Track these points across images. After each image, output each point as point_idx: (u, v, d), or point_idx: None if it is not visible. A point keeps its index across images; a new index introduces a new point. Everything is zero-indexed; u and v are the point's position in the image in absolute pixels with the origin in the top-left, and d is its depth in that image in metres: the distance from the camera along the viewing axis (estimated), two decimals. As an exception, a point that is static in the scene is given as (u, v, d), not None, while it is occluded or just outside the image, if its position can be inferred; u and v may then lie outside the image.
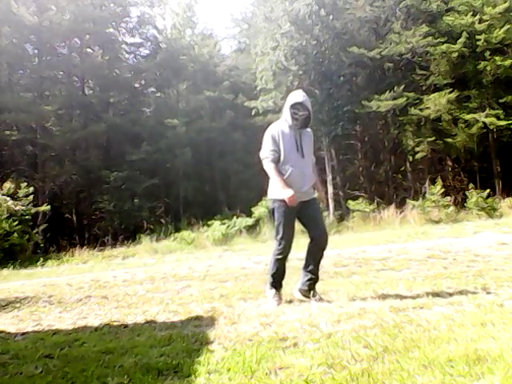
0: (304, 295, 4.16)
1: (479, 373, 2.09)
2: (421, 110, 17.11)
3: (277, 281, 4.25)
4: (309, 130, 4.34)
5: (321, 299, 4.09)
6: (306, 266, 4.22)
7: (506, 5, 16.72)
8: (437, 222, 13.86)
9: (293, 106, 4.13)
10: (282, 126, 4.20)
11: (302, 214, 4.18)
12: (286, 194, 3.98)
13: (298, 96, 4.19)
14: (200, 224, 15.74)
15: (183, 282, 6.50)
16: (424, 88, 18.16)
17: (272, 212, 4.21)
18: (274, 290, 4.23)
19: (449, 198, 15.16)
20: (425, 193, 16.55)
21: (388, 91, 17.13)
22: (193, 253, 12.61)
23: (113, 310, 4.84)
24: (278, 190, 4.09)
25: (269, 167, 4.11)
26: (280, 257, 4.18)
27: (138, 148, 19.52)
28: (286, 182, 4.04)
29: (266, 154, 4.14)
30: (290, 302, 4.19)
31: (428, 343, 2.57)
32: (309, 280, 4.19)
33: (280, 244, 4.16)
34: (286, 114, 4.16)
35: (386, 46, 17.60)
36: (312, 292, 4.18)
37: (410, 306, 3.54)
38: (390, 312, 3.41)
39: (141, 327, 3.83)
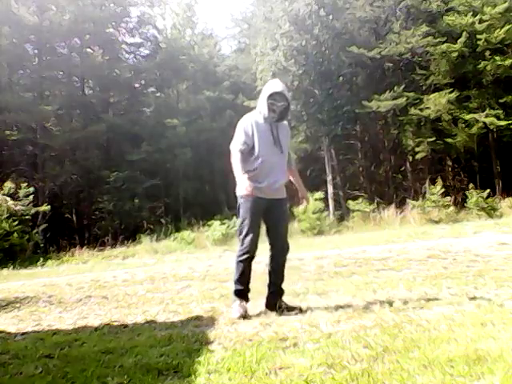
0: (271, 309, 3.77)
1: (479, 373, 2.09)
2: (421, 110, 17.11)
3: (242, 289, 3.80)
4: (285, 122, 3.99)
5: (287, 311, 3.69)
6: (269, 277, 3.87)
7: (506, 5, 16.73)
8: (437, 222, 13.86)
9: (271, 97, 3.77)
10: (255, 117, 3.84)
11: (267, 215, 3.83)
12: (245, 185, 3.62)
13: (277, 85, 3.83)
14: (200, 224, 15.74)
15: (183, 282, 6.50)
16: (424, 88, 18.16)
17: (238, 209, 3.84)
18: (237, 301, 3.78)
19: (449, 198, 15.17)
20: (425, 193, 16.55)
21: (388, 91, 17.14)
22: (193, 253, 12.62)
23: (113, 310, 4.84)
24: (239, 184, 3.74)
25: (235, 157, 3.75)
26: (243, 258, 3.75)
27: (138, 148, 19.52)
28: (257, 176, 3.71)
29: (235, 145, 3.78)
30: (290, 302, 4.18)
31: (428, 343, 2.57)
32: (272, 293, 3.84)
33: (243, 244, 3.76)
34: (262, 105, 3.80)
35: (385, 45, 17.60)
36: (278, 304, 3.77)
37: (410, 306, 3.54)
38: (390, 312, 3.41)
39: (141, 327, 3.83)
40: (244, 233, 3.76)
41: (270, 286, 3.87)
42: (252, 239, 3.73)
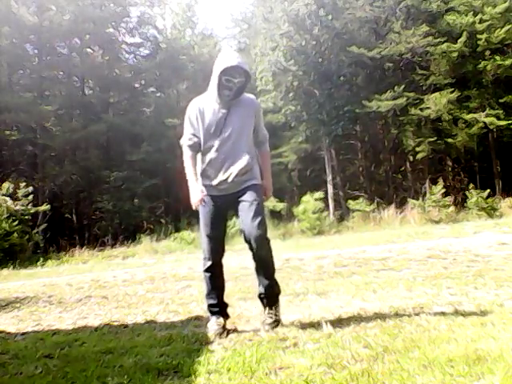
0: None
1: (479, 373, 2.09)
2: (421, 109, 17.12)
3: (214, 303, 3.33)
4: (247, 96, 3.30)
5: (270, 324, 3.21)
6: (256, 276, 3.33)
7: (506, 5, 16.75)
8: (437, 222, 13.87)
9: (225, 72, 3.09)
10: (204, 101, 3.25)
11: (236, 210, 3.24)
12: (194, 193, 3.15)
13: (231, 58, 3.12)
14: (200, 224, 15.71)
15: (183, 282, 6.51)
16: (424, 88, 18.16)
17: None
18: (213, 317, 3.32)
19: (449, 197, 15.18)
20: (425, 193, 16.56)
21: (388, 91, 17.13)
22: (193, 253, 12.61)
23: (113, 310, 4.84)
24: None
25: (185, 156, 3.26)
26: (205, 267, 3.30)
27: (138, 148, 19.53)
28: (207, 173, 3.23)
29: (183, 140, 3.28)
30: (290, 302, 4.18)
31: (428, 343, 2.56)
32: (260, 294, 3.32)
33: (203, 253, 3.31)
34: (214, 83, 3.15)
35: (386, 45, 17.61)
36: (265, 310, 3.30)
37: (410, 306, 3.54)
38: (390, 312, 3.41)
39: (141, 327, 3.83)
40: (202, 237, 3.30)
41: (258, 287, 3.34)
42: (208, 243, 3.26)
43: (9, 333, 4.12)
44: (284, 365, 2.45)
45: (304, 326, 3.20)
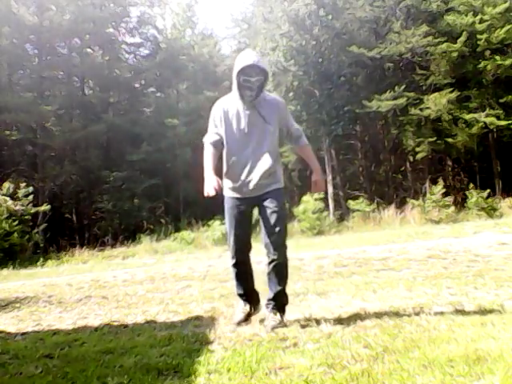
0: (266, 316, 3.36)
1: (479, 373, 2.09)
2: (421, 109, 17.12)
3: (242, 293, 3.51)
4: (271, 95, 3.41)
5: (273, 329, 3.16)
6: (268, 282, 3.37)
7: (506, 5, 16.75)
8: (437, 222, 13.86)
9: (242, 72, 3.12)
10: (228, 102, 3.29)
11: (259, 212, 3.36)
12: (208, 182, 3.12)
13: (247, 57, 3.14)
14: (200, 224, 15.74)
15: (183, 282, 6.50)
16: (424, 88, 18.16)
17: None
18: (240, 302, 3.53)
19: (449, 198, 15.17)
20: (425, 193, 16.56)
21: (388, 91, 17.14)
22: (193, 253, 12.61)
23: (113, 310, 4.84)
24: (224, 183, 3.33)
25: (206, 151, 3.27)
26: (231, 263, 3.43)
27: (138, 148, 19.53)
28: (230, 175, 3.30)
29: (206, 137, 3.33)
30: (290, 302, 4.18)
31: (428, 343, 2.56)
32: (268, 301, 3.37)
33: (229, 250, 3.43)
34: (234, 84, 3.19)
35: (385, 45, 17.61)
36: (270, 314, 3.31)
37: (410, 306, 3.54)
38: (390, 312, 3.41)
39: (141, 327, 3.83)
40: (228, 236, 3.45)
41: (269, 293, 3.37)
42: (233, 244, 3.37)
43: (9, 333, 4.11)
44: (284, 365, 2.45)
45: (304, 326, 3.20)
